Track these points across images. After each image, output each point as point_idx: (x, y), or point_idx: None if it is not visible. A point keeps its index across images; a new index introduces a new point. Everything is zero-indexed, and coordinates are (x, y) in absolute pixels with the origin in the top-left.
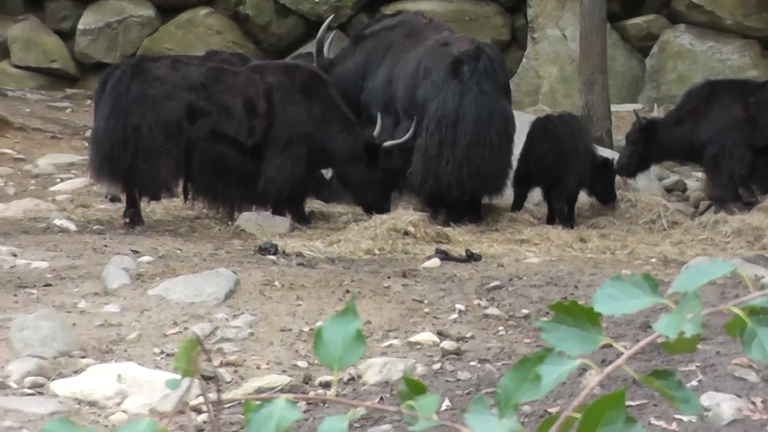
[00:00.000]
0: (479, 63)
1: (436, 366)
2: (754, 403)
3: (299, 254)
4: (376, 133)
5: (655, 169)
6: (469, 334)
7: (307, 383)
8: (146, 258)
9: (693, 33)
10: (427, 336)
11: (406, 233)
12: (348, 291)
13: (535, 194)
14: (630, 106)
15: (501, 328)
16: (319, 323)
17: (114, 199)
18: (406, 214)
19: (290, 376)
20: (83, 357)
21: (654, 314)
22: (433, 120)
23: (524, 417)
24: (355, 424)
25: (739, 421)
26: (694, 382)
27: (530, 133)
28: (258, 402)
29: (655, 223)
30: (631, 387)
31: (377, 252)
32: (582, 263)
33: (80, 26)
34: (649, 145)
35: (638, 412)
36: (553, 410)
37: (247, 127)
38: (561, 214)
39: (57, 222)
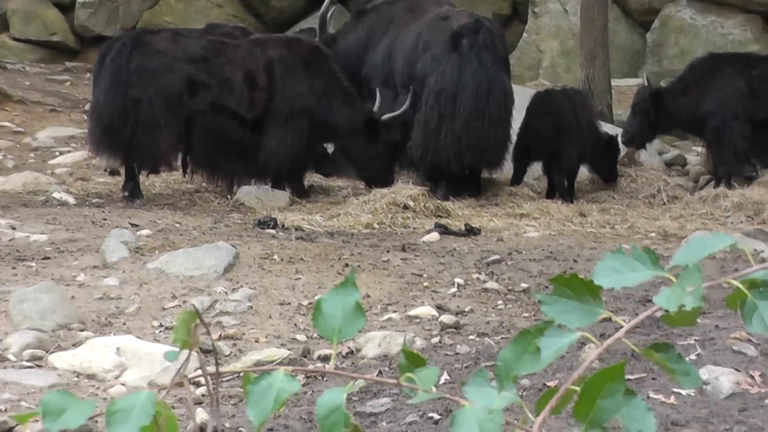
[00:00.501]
0: (478, 36)
1: (435, 340)
2: (752, 377)
3: (298, 228)
4: (375, 107)
5: (655, 144)
6: (468, 308)
7: (305, 357)
8: (145, 231)
9: (694, 7)
10: (426, 310)
11: (406, 207)
12: (347, 265)
13: (536, 168)
14: (631, 81)
15: (500, 302)
16: (318, 297)
17: (113, 173)
18: (405, 188)
19: (289, 349)
20: (82, 330)
21: (654, 288)
22: (433, 93)
23: (523, 390)
24: (354, 397)
25: (738, 394)
26: (693, 356)
27: (530, 107)
28: (257, 374)
29: (655, 197)
30: (630, 361)
31: (377, 226)
32: (582, 237)
33: None
34: (659, 113)
35: (637, 385)
36: (552, 384)
37: (248, 100)
38: (561, 188)
39: (56, 195)
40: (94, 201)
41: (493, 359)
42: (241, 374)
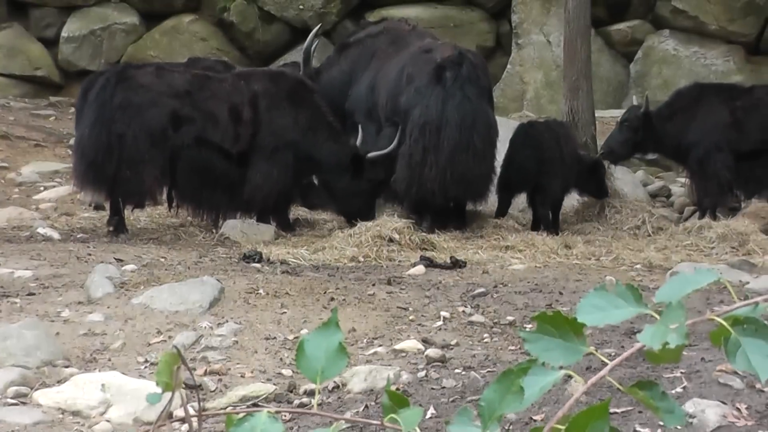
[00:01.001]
0: (462, 69)
1: (421, 373)
2: (738, 410)
3: (284, 262)
4: (358, 142)
5: (639, 175)
6: (454, 342)
7: (291, 391)
8: (130, 266)
9: (677, 38)
10: (412, 343)
11: (391, 240)
12: (333, 299)
13: (520, 200)
14: (615, 112)
15: (486, 335)
16: (303, 331)
17: (98, 207)
18: (390, 221)
19: (275, 384)
20: (67, 366)
21: (639, 320)
22: (417, 126)
23: (509, 424)
24: None
25: (725, 427)
26: (679, 389)
27: (513, 139)
28: (240, 416)
29: (639, 228)
30: (616, 393)
31: (362, 259)
32: (567, 269)
33: (64, 34)
34: (647, 134)
35: (623, 419)
36: (538, 417)
37: (233, 134)
38: (545, 220)
39: (41, 230)
40: (78, 236)
41: (479, 393)
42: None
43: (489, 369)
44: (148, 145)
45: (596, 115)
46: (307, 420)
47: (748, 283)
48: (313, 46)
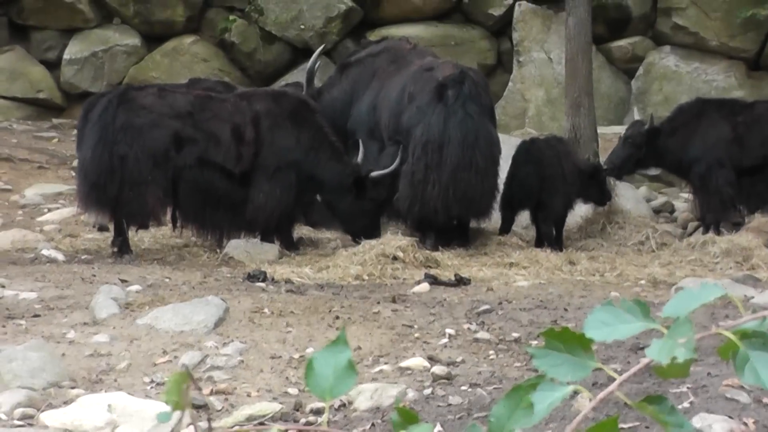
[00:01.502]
0: (464, 87)
1: (427, 391)
2: (746, 424)
3: (288, 281)
4: (359, 159)
5: (642, 191)
6: (459, 359)
7: (298, 410)
8: (135, 287)
9: (678, 54)
10: (417, 361)
11: (395, 258)
12: (338, 317)
13: (524, 217)
14: (617, 128)
15: (491, 352)
16: (309, 350)
17: (102, 229)
18: (394, 240)
19: (281, 403)
20: (73, 387)
21: (645, 336)
22: (419, 145)
23: None
24: None
25: None
26: (686, 404)
27: (515, 156)
28: None
29: (643, 244)
30: (623, 409)
31: (366, 277)
32: (571, 286)
33: (66, 56)
34: (649, 150)
35: None
36: None
37: (235, 154)
38: (549, 237)
39: (45, 252)
40: (83, 257)
41: (486, 410)
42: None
43: (495, 386)
44: (151, 166)
45: (598, 131)
46: None
47: (752, 297)
48: (316, 66)
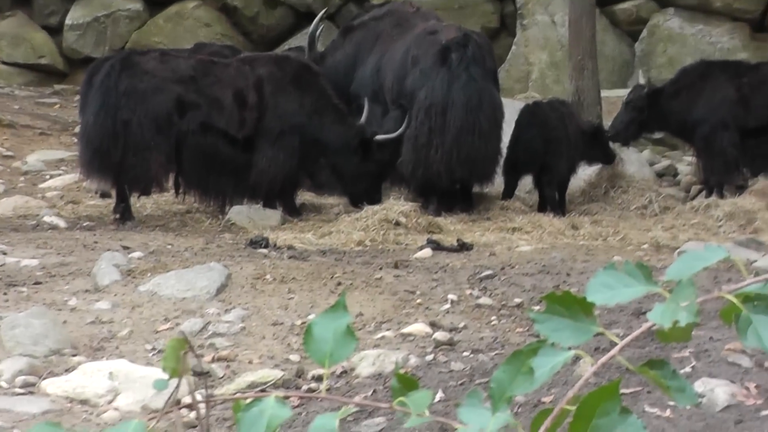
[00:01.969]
0: (467, 50)
1: (429, 357)
2: (747, 389)
3: (291, 247)
4: (362, 120)
5: (645, 154)
6: (461, 324)
7: (299, 377)
8: (137, 254)
9: (682, 16)
10: (419, 327)
11: (398, 224)
12: (340, 283)
13: (527, 182)
14: (621, 91)
15: (494, 317)
16: (311, 316)
17: (104, 195)
18: (397, 205)
19: (283, 370)
20: (75, 355)
21: (647, 300)
22: (422, 108)
23: (518, 407)
24: (349, 418)
25: (734, 406)
26: (688, 369)
27: (518, 119)
28: (248, 401)
29: (646, 208)
30: (625, 375)
31: (369, 243)
32: (574, 250)
33: (68, 21)
34: (652, 113)
35: (632, 399)
36: (547, 399)
37: (238, 119)
38: (552, 201)
39: (47, 219)
40: (85, 224)
41: (488, 376)
42: (235, 396)
43: (497, 351)
44: (154, 132)
45: (602, 94)
46: (315, 405)
47: (755, 261)
48: (318, 30)
